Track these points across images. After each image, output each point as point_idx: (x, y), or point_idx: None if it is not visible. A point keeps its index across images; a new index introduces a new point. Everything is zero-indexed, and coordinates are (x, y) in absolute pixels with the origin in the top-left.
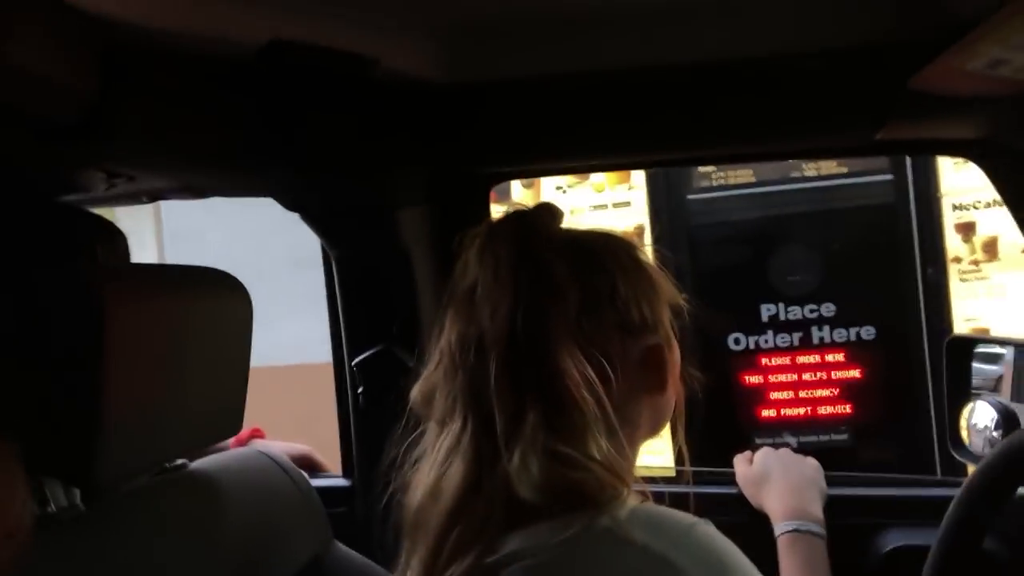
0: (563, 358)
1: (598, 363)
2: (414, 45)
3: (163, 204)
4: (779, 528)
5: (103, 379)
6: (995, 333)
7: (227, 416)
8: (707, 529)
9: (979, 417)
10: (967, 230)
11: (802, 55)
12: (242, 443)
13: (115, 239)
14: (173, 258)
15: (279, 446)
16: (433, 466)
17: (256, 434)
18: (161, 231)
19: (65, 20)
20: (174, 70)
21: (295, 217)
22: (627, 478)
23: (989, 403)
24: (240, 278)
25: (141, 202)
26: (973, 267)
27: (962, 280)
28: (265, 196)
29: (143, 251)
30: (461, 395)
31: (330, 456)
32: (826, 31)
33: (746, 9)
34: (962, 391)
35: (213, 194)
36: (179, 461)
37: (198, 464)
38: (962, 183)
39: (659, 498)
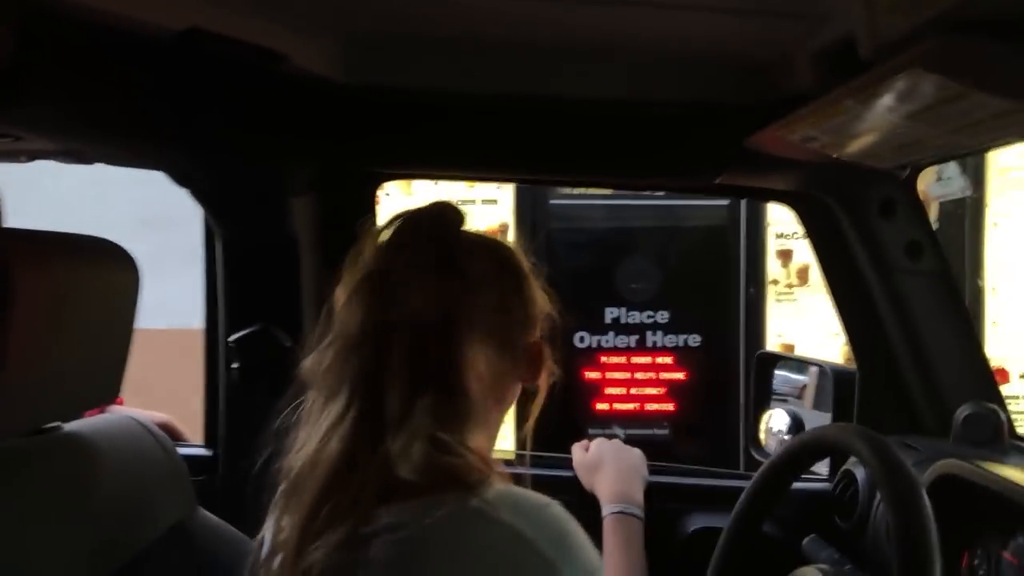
0: (470, 350)
1: (499, 356)
2: (320, 46)
3: None
4: (606, 510)
5: (2, 338)
6: (800, 351)
7: (108, 382)
8: (558, 509)
9: (775, 423)
10: (785, 257)
11: (657, 103)
12: (102, 409)
13: None
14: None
15: (137, 414)
16: (312, 437)
17: (115, 401)
18: None
19: None
20: (89, 43)
21: (141, 176)
22: (493, 463)
23: (785, 411)
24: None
25: (17, 161)
26: (787, 290)
27: (777, 301)
28: (156, 169)
29: None
30: (351, 378)
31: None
32: (680, 86)
33: (613, 54)
34: (764, 400)
35: (100, 161)
36: (53, 423)
37: (71, 426)
38: (785, 215)
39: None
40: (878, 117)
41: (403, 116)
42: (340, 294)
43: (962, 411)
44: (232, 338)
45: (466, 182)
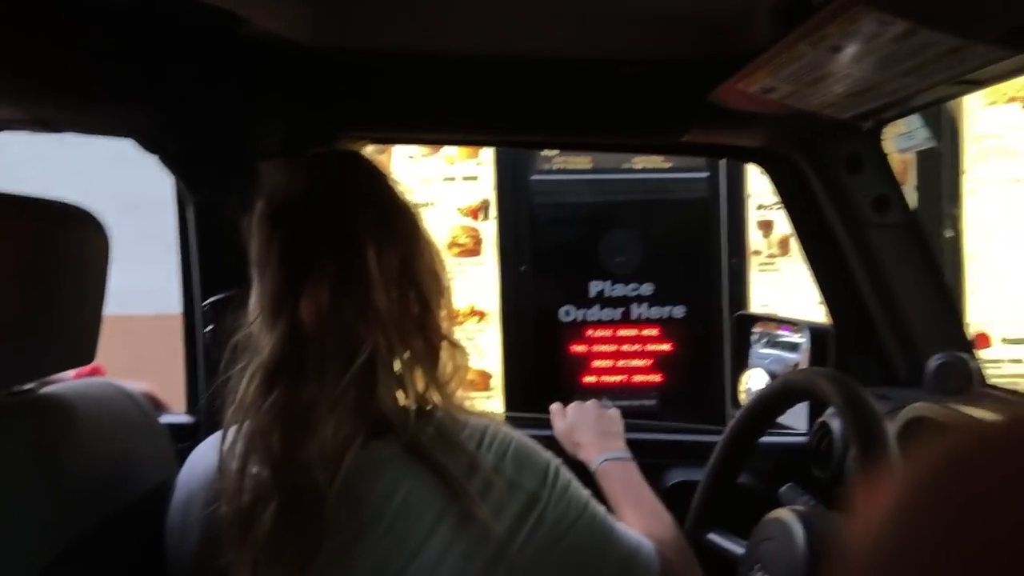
0: None
1: None
2: (284, 8)
3: None
4: (593, 464)
5: None
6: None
7: (82, 345)
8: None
9: (755, 382)
10: (766, 227)
11: (619, 61)
12: (83, 376)
13: None
14: None
15: (118, 381)
16: None
17: (96, 371)
18: None
19: None
20: (52, 6)
21: (121, 162)
22: None
23: (764, 370)
24: None
25: None
26: (769, 260)
27: (760, 271)
28: (124, 136)
29: None
30: None
31: None
32: (641, 42)
33: (575, 12)
34: (744, 360)
35: (67, 129)
36: (28, 385)
37: (48, 389)
38: (764, 186)
39: None
40: (831, 62)
41: (369, 78)
42: None
43: (934, 361)
44: (207, 303)
45: (431, 145)
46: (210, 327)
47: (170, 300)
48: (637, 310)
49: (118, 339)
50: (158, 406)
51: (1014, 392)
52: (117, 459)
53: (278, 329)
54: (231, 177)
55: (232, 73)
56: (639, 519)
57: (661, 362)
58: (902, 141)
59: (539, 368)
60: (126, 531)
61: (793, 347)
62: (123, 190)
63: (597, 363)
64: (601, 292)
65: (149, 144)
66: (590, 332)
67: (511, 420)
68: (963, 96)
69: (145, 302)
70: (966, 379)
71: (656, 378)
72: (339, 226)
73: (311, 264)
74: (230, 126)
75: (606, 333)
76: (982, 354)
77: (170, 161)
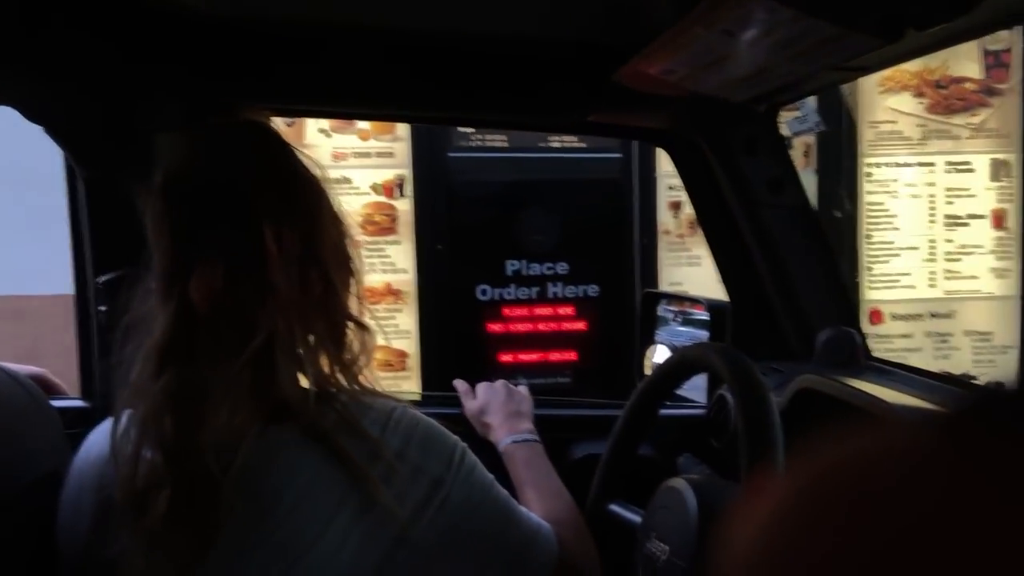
0: None
1: None
2: None
3: None
4: (501, 446)
5: None
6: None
7: None
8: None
9: (660, 357)
10: (676, 208)
11: (524, 40)
12: None
13: None
14: None
15: (5, 365)
16: None
17: None
18: None
19: None
20: None
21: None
22: None
23: (667, 346)
24: None
25: None
26: (679, 240)
27: (670, 250)
28: (5, 104)
29: None
30: None
31: None
32: (547, 21)
33: None
34: (650, 336)
35: None
36: None
37: None
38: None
39: None
40: (725, 45)
41: (267, 48)
42: None
43: (823, 335)
44: (100, 280)
45: (339, 120)
46: (103, 307)
47: (69, 279)
48: (552, 289)
49: (13, 321)
50: (51, 389)
51: (896, 364)
52: (1, 445)
53: (169, 309)
54: (123, 150)
55: (122, 40)
56: (540, 501)
57: (576, 340)
58: (795, 124)
59: (455, 347)
60: (13, 520)
61: (706, 325)
62: (16, 163)
63: (513, 341)
64: (517, 271)
65: (33, 114)
66: (506, 311)
67: (425, 399)
68: (850, 81)
69: (43, 282)
70: (851, 352)
71: (571, 355)
72: (235, 200)
73: (204, 240)
74: (121, 97)
75: (522, 312)
76: (875, 330)
77: (56, 133)
